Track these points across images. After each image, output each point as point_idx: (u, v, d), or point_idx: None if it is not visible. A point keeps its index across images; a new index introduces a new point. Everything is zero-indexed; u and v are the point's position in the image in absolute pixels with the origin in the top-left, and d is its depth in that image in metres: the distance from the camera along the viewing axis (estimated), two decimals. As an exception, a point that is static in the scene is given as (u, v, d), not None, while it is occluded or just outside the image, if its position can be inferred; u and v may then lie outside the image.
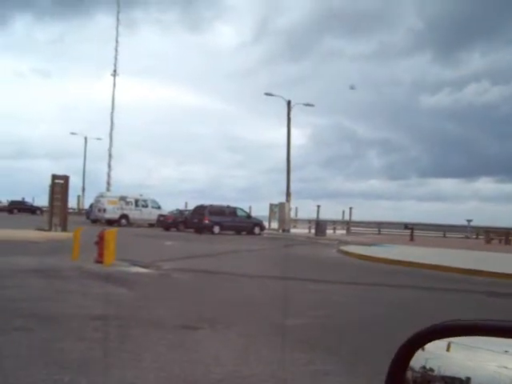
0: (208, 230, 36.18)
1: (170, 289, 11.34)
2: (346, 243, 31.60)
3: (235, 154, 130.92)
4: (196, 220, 37.17)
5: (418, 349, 1.10)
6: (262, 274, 14.46)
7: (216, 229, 36.49)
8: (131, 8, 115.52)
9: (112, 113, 58.53)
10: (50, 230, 28.48)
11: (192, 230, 37.27)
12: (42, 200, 74.74)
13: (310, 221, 48.13)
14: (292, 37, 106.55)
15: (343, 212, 48.95)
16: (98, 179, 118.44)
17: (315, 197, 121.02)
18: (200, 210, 37.64)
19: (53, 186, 29.14)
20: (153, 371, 5.37)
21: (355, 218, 51.35)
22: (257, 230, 38.25)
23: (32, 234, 25.48)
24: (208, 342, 6.65)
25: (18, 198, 66.75)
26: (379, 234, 46.96)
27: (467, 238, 44.31)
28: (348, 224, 47.38)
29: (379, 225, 48.39)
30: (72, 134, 63.47)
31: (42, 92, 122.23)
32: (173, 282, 12.49)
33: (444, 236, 46.19)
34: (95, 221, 44.16)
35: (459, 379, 0.99)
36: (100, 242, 15.13)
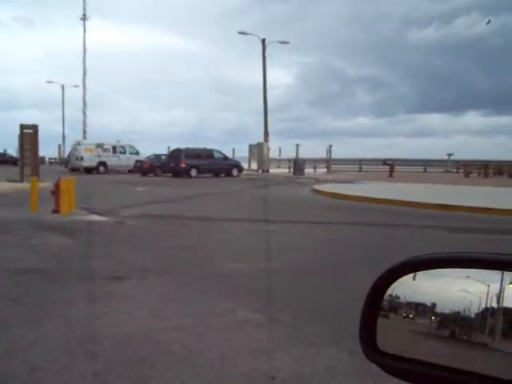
0: (185, 173, 35.65)
1: (118, 237, 10.89)
2: (323, 182, 31.36)
3: (223, 96, 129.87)
4: (172, 164, 36.58)
5: (390, 284, 1.12)
6: (224, 217, 14.08)
7: (193, 172, 35.96)
8: None
9: (84, 58, 56.93)
10: (21, 181, 27.83)
11: (170, 174, 36.79)
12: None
13: (291, 160, 47.75)
14: None
15: (326, 150, 48.31)
16: (92, 126, 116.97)
17: (303, 136, 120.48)
18: (176, 153, 37.01)
19: (22, 136, 28.28)
20: (57, 329, 4.97)
21: (340, 155, 50.93)
22: (235, 171, 37.74)
23: (1, 186, 24.93)
24: (131, 293, 6.25)
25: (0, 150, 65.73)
26: (360, 171, 46.65)
27: (448, 172, 44.16)
28: (328, 162, 46.91)
29: (360, 162, 48.01)
30: (48, 82, 61.83)
31: (26, 40, 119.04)
32: (124, 229, 12.04)
33: (425, 171, 46.01)
34: (74, 170, 43.41)
35: (424, 304, 1.05)
36: (56, 191, 14.62)
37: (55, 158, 64.45)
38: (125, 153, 43.94)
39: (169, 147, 50.67)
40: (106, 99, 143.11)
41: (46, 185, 26.87)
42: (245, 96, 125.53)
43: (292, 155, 49.24)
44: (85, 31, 56.89)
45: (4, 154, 63.75)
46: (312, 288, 6.67)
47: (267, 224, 12.61)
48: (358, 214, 15.12)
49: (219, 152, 38.31)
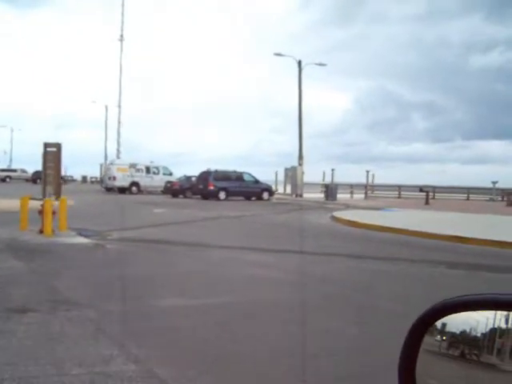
0: (213, 196, 35.01)
1: (78, 262, 10.17)
2: (351, 207, 30.24)
3: (276, 119, 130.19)
4: (201, 186, 36.04)
5: (430, 325, 1.12)
6: (215, 244, 13.21)
7: (221, 195, 35.29)
8: None
9: (120, 79, 57.38)
10: (43, 199, 27.68)
11: (199, 196, 36.23)
12: (78, 170, 75.34)
13: (351, 185, 46.64)
14: (340, 1, 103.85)
15: (367, 175, 46.92)
16: (136, 147, 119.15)
17: (357, 161, 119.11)
18: (205, 175, 36.44)
19: (45, 154, 28.14)
20: None
21: (392, 181, 49.60)
22: (265, 195, 36.90)
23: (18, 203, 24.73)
24: (14, 328, 5.44)
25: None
26: (399, 198, 45.05)
27: (492, 200, 42.06)
28: (366, 188, 45.50)
29: (399, 188, 46.41)
30: (92, 102, 62.61)
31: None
32: (96, 254, 11.33)
33: (467, 199, 44.02)
34: (109, 189, 43.54)
35: (463, 343, 1.06)
36: (42, 211, 14.17)
37: (96, 177, 65.13)
38: (158, 173, 43.76)
39: (209, 169, 50.38)
40: (160, 121, 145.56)
41: (68, 203, 26.78)
42: (296, 119, 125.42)
43: (341, 180, 48.26)
44: (121, 51, 57.45)
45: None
46: (237, 337, 5.72)
47: (254, 253, 11.74)
48: (361, 244, 14.00)
49: (250, 175, 37.55)
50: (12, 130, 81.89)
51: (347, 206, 31.60)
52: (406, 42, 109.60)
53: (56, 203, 15.64)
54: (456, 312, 1.09)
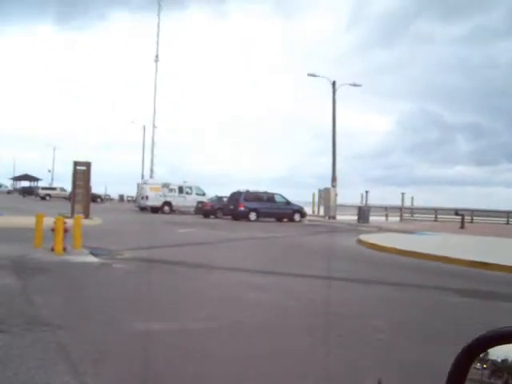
0: (244, 217, 34.79)
1: (76, 281, 10.01)
2: (382, 230, 29.62)
3: (316, 140, 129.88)
4: (232, 207, 35.87)
5: (477, 356, 1.12)
6: (225, 266, 12.94)
7: (252, 216, 35.04)
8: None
9: (154, 99, 57.95)
10: (71, 217, 27.92)
11: (230, 217, 36.06)
12: (117, 189, 76.40)
13: (386, 208, 45.96)
14: (384, 22, 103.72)
15: (402, 197, 45.93)
16: (184, 168, 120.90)
17: (399, 183, 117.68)
18: (236, 196, 36.27)
19: (75, 172, 28.55)
20: None
21: (434, 204, 48.69)
22: (297, 216, 36.47)
23: (48, 222, 24.95)
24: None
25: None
26: (435, 220, 44.04)
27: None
28: (401, 210, 44.58)
29: (436, 211, 45.38)
30: (131, 122, 63.42)
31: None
32: (97, 273, 11.13)
33: (507, 223, 42.74)
34: (143, 208, 43.75)
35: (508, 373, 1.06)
36: (55, 229, 14.14)
37: (132, 196, 65.76)
38: (191, 193, 43.82)
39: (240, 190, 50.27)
40: (203, 142, 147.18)
41: (93, 222, 26.95)
42: (340, 141, 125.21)
43: (381, 202, 47.49)
44: (156, 72, 58.17)
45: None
46: (194, 364, 5.40)
47: (263, 276, 11.42)
48: (376, 269, 13.50)
49: (281, 196, 37.20)
50: (54, 149, 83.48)
51: (379, 229, 30.95)
52: (451, 64, 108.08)
53: (70, 221, 15.51)
54: (503, 343, 1.11)
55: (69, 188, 66.86)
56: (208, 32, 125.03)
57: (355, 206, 46.80)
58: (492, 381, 1.09)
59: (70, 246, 14.35)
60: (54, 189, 72.68)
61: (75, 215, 28.27)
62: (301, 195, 48.32)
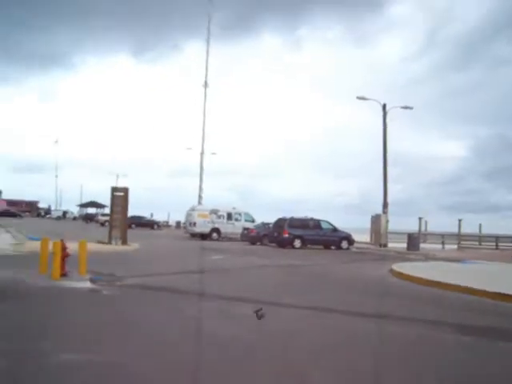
0: (288, 244, 33.86)
1: (48, 308, 9.57)
2: (431, 258, 28.15)
3: (391, 167, 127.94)
4: (276, 233, 35.04)
5: None
6: (230, 295, 12.10)
7: (297, 243, 34.06)
8: (296, 27, 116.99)
9: (203, 125, 58.19)
10: (109, 243, 27.93)
11: (275, 244, 35.20)
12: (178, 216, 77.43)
13: (442, 235, 44.05)
14: (459, 46, 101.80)
15: (459, 224, 43.86)
16: (256, 194, 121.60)
17: (474, 210, 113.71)
18: (280, 222, 35.41)
19: (112, 198, 28.63)
20: None
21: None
22: (344, 244, 35.23)
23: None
24: None
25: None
26: (496, 249, 41.61)
27: None
28: (459, 238, 42.46)
29: (497, 239, 42.93)
30: (188, 149, 63.79)
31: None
32: (80, 300, 10.74)
33: None
34: (194, 235, 43.39)
35: None
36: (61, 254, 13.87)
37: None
38: (240, 220, 43.31)
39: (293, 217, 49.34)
40: (275, 169, 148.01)
41: (128, 248, 26.81)
42: (412, 168, 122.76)
43: (452, 230, 45.39)
44: (205, 98, 58.55)
45: (140, 218, 66.65)
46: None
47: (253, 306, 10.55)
48: (387, 300, 12.36)
49: (328, 223, 36.07)
50: (117, 176, 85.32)
51: (426, 257, 29.40)
52: None
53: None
54: None
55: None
56: (279, 59, 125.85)
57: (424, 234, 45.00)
58: None
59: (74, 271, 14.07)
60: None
61: (112, 241, 28.41)
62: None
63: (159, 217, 77.45)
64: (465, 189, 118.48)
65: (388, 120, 39.45)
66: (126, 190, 28.82)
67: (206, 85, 57.57)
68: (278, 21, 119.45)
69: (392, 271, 18.50)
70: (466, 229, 48.02)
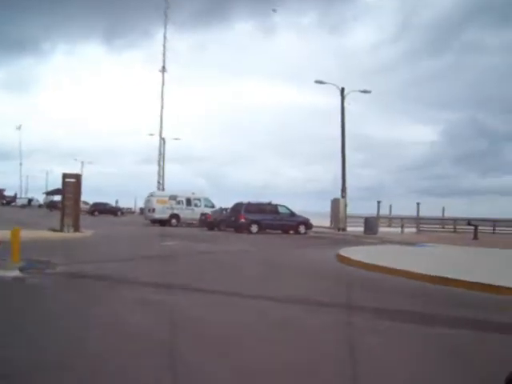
0: (245, 229, 33.68)
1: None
2: (386, 242, 28.38)
3: (360, 153, 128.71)
4: (233, 218, 34.86)
5: None
6: (151, 281, 11.91)
7: (253, 228, 33.94)
8: (269, 14, 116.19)
9: (161, 111, 57.70)
10: (61, 230, 27.40)
11: (232, 229, 35.01)
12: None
13: (401, 219, 44.21)
14: (431, 32, 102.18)
15: (418, 207, 44.12)
16: (225, 181, 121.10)
17: (445, 194, 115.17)
18: (237, 207, 35.26)
19: (64, 185, 28.04)
20: None
21: (481, 215, 46.72)
22: (302, 228, 35.20)
23: (34, 235, 24.35)
24: None
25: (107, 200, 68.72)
26: (454, 232, 42.09)
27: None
28: (417, 221, 42.85)
29: (455, 222, 43.41)
30: (150, 135, 63.05)
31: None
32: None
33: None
34: (154, 221, 42.86)
35: None
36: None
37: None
38: (200, 206, 42.98)
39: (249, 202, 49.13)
40: (245, 155, 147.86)
41: (79, 235, 26.34)
42: (382, 153, 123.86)
43: (425, 214, 45.58)
44: (163, 84, 58.09)
45: (104, 204, 65.95)
46: None
47: (178, 293, 10.36)
48: (315, 283, 12.28)
49: (285, 207, 36.00)
50: (83, 164, 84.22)
51: (381, 241, 29.56)
52: (502, 72, 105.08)
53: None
54: None
55: (91, 201, 67.58)
56: (252, 45, 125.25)
57: (388, 218, 45.17)
58: None
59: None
60: (77, 202, 72.97)
61: (65, 229, 27.88)
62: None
63: (125, 203, 76.76)
64: (435, 173, 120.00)
65: (346, 104, 39.46)
66: (77, 177, 28.28)
67: (163, 70, 57.01)
68: (250, 6, 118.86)
69: (338, 256, 18.45)
70: (433, 212, 48.57)
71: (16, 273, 12.50)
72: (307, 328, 7.65)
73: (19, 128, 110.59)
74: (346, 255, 17.57)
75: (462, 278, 12.15)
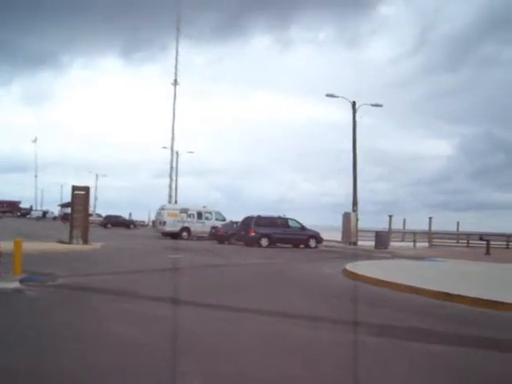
0: (255, 242, 33.45)
1: None
2: (396, 256, 28.03)
3: (377, 167, 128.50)
4: (243, 232, 34.66)
5: None
6: (152, 295, 11.77)
7: (263, 242, 33.68)
8: (286, 28, 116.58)
9: (173, 124, 57.91)
10: (69, 242, 27.41)
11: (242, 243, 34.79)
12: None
13: (414, 233, 43.67)
14: (448, 46, 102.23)
15: (430, 222, 43.64)
16: (240, 194, 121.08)
17: (460, 209, 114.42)
18: (247, 221, 35.03)
19: (73, 197, 28.10)
20: None
21: (495, 229, 46.33)
22: (312, 242, 34.88)
23: (42, 247, 24.35)
24: None
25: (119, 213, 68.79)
26: (467, 246, 41.58)
27: None
28: (429, 236, 42.37)
29: (468, 236, 42.89)
30: (163, 148, 63.28)
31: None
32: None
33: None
34: (166, 234, 42.79)
35: None
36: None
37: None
38: (210, 219, 42.89)
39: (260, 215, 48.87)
40: (260, 169, 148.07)
41: (88, 247, 26.31)
42: (398, 167, 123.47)
43: (438, 228, 45.10)
44: (175, 97, 58.28)
45: (117, 217, 66.05)
46: None
47: (173, 306, 10.21)
48: (318, 301, 12.06)
49: (296, 221, 35.74)
50: (97, 176, 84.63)
51: (392, 255, 29.21)
52: None
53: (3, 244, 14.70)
54: None
55: (105, 214, 67.83)
56: (268, 59, 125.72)
57: (401, 232, 44.63)
58: None
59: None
60: (90, 215, 73.14)
61: (74, 240, 27.87)
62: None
63: (140, 216, 76.84)
64: (451, 188, 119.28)
65: (358, 118, 39.24)
66: (86, 189, 28.34)
67: (175, 83, 57.24)
68: (268, 21, 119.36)
69: (344, 270, 18.19)
70: (448, 227, 48.07)
71: (16, 284, 12.46)
72: (311, 344, 7.46)
73: (35, 141, 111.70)
74: (353, 270, 17.31)
75: (466, 294, 11.91)
